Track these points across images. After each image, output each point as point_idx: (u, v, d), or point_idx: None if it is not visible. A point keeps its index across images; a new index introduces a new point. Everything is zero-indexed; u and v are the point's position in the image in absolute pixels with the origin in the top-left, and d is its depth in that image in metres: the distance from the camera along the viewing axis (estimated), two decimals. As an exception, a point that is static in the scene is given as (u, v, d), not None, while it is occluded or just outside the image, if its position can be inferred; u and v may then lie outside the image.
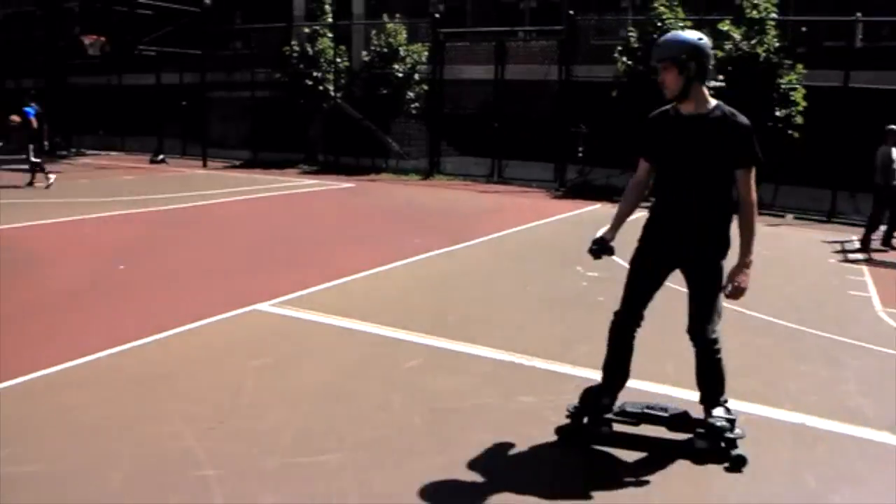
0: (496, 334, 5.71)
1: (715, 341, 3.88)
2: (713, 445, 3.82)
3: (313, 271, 7.74)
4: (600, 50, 17.29)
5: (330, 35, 20.69)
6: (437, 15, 19.69)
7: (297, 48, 20.44)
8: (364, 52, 20.25)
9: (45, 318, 6.14)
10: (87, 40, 20.58)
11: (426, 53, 19.18)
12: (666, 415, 3.95)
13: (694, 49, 3.75)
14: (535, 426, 4.12)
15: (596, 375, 4.20)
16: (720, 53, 15.01)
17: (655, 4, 15.77)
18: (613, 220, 4.04)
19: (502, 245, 9.65)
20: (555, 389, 4.62)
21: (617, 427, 4.03)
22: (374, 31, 20.09)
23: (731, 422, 3.87)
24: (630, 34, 16.28)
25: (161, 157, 21.45)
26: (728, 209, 3.83)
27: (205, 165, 20.38)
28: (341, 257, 8.59)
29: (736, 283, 3.77)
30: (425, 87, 19.15)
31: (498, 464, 3.75)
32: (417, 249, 8.81)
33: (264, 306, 6.31)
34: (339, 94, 20.24)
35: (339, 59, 20.39)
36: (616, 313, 4.00)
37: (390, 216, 12.22)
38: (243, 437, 3.94)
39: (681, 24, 15.59)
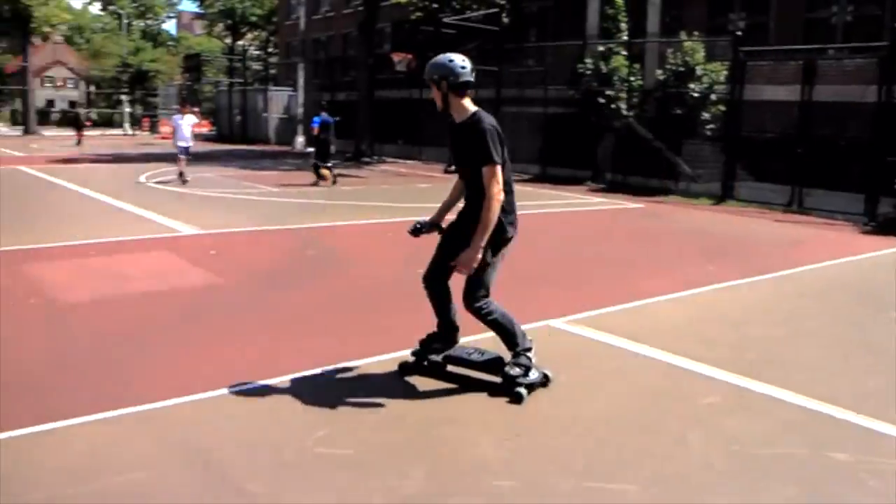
0: (802, 378, 5.30)
1: (480, 308, 4.71)
2: (508, 386, 4.70)
3: (604, 291, 7.70)
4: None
5: (624, 53, 20.52)
6: (738, 32, 18.80)
7: (590, 66, 20.50)
8: (658, 71, 19.84)
9: (350, 313, 6.70)
10: (395, 58, 22.25)
11: (725, 72, 18.37)
12: (480, 360, 4.94)
13: (440, 69, 4.59)
14: (849, 488, 3.76)
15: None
16: None
17: None
18: (438, 209, 5.10)
19: (804, 280, 8.95)
20: (872, 450, 4.17)
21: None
22: (669, 50, 19.62)
23: (527, 368, 4.75)
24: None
25: (454, 167, 22.56)
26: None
27: (494, 178, 21.11)
28: (632, 279, 8.46)
29: (461, 261, 4.57)
30: (722, 108, 18.35)
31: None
32: (711, 278, 8.44)
33: (557, 322, 6.38)
34: (631, 113, 20.01)
35: (632, 78, 20.17)
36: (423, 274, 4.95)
37: (680, 240, 11.85)
38: (538, 454, 4.00)
39: None
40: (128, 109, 55.71)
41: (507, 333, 4.81)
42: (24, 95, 51.00)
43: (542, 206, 15.40)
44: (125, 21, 73.30)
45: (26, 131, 47.84)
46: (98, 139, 39.29)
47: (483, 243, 4.52)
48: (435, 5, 27.19)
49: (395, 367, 5.19)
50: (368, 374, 5.14)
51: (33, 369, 5.09)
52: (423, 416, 4.46)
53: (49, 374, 5.01)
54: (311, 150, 19.19)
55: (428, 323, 5.10)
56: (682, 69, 18.78)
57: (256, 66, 54.10)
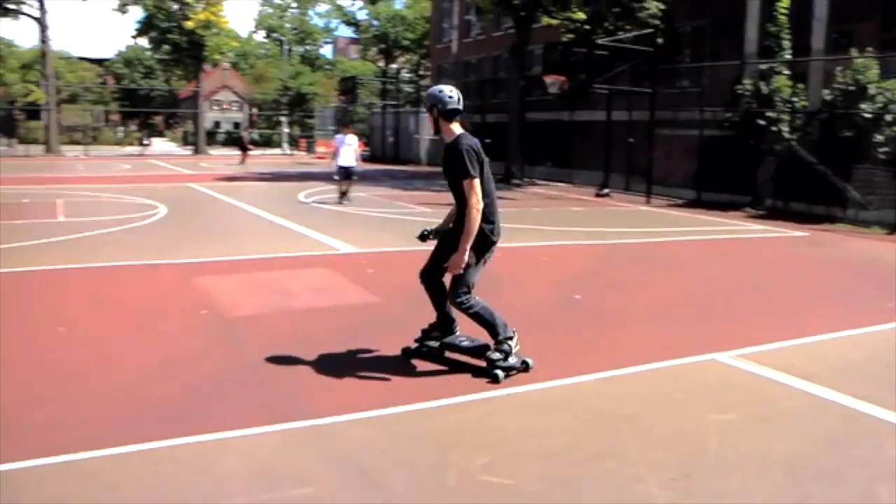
0: None
1: (462, 303, 5.48)
2: (489, 368, 5.42)
3: (772, 325, 7.30)
4: None
5: (787, 72, 19.58)
6: (919, 47, 17.54)
7: (749, 86, 19.70)
8: (825, 91, 18.80)
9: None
10: (548, 79, 22.12)
11: (903, 91, 17.11)
12: (469, 346, 5.74)
13: (432, 98, 5.49)
14: None
15: None
16: None
17: None
18: (444, 218, 5.84)
19: None
20: None
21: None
22: (838, 68, 18.54)
23: (507, 354, 5.47)
24: None
25: (606, 191, 22.17)
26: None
27: (648, 202, 20.61)
28: (800, 312, 7.99)
29: (451, 263, 5.38)
30: (898, 130, 17.11)
31: None
32: (890, 315, 7.84)
33: (723, 357, 6.09)
34: (793, 136, 19.04)
35: (795, 98, 19.21)
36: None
37: (852, 272, 11.11)
38: (709, 497, 3.81)
39: None
40: (286, 130, 58.47)
41: (489, 324, 5.55)
42: (195, 118, 54.58)
43: (698, 232, 14.89)
44: (286, 47, 77.11)
45: (196, 151, 51.08)
46: (259, 158, 41.38)
47: (468, 247, 5.33)
48: (587, 27, 26.98)
49: (557, 397, 5.12)
50: (529, 401, 5.08)
51: (206, 380, 5.35)
52: (586, 449, 4.35)
53: (220, 385, 5.25)
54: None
55: (583, 346, 5.01)
56: (851, 88, 17.69)
57: (408, 88, 55.50)
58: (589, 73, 22.48)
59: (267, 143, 62.07)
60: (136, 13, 50.55)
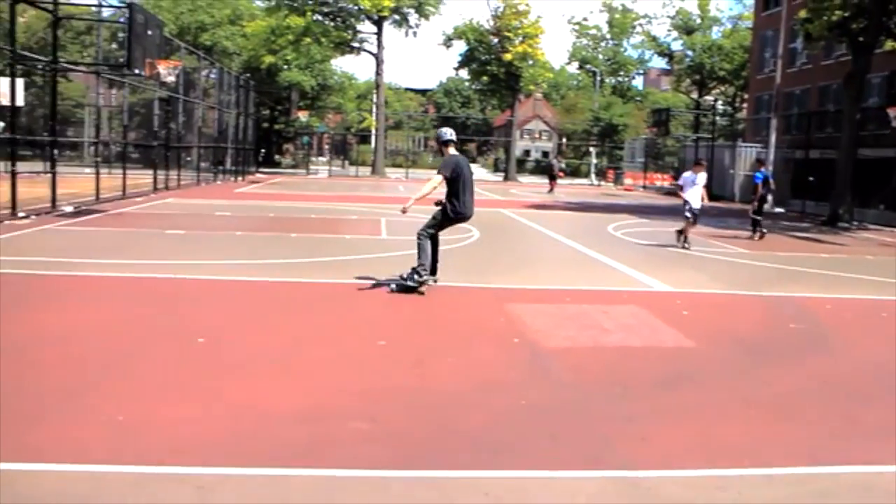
0: None
1: (419, 236, 9.34)
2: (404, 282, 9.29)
3: None
4: None
5: None
6: None
7: None
8: None
9: (844, 404, 5.85)
10: (892, 112, 19.97)
11: None
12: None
13: (438, 134, 9.85)
14: None
15: None
16: None
17: None
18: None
19: None
20: None
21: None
22: None
23: (411, 279, 9.20)
24: None
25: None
26: (449, 196, 9.38)
27: None
28: None
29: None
30: None
31: None
32: None
33: None
34: None
35: None
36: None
37: None
38: None
39: None
40: (594, 161, 58.76)
41: (419, 256, 9.20)
42: (507, 146, 56.84)
43: None
44: (598, 78, 77.66)
45: (506, 177, 53.13)
46: (566, 188, 41.96)
47: (414, 198, 9.41)
48: (943, 50, 24.04)
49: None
50: (873, 484, 4.40)
51: (518, 411, 5.32)
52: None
53: (532, 419, 5.18)
54: (779, 210, 17.99)
55: None
56: None
57: (722, 121, 53.26)
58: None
59: (574, 172, 62.84)
60: (459, 47, 54.02)
